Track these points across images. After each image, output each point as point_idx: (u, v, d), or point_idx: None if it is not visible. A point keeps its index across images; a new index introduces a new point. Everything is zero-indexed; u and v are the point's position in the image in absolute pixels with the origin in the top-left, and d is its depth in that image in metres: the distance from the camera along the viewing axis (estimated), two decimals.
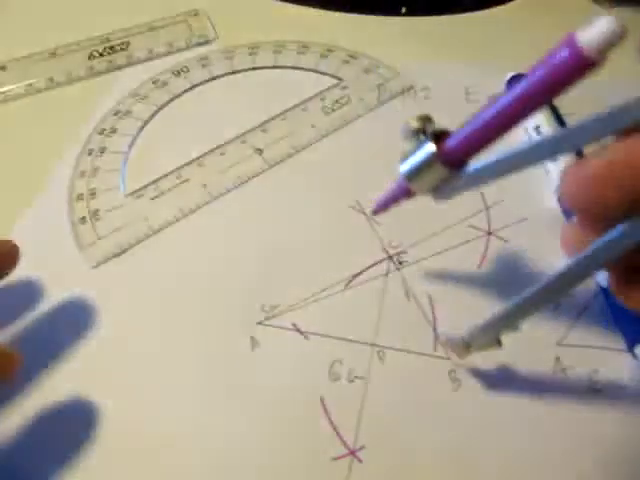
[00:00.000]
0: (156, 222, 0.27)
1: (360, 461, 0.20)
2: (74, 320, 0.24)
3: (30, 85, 0.34)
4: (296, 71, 0.33)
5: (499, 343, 0.19)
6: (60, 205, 0.28)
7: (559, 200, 0.26)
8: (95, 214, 0.27)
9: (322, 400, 0.21)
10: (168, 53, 0.35)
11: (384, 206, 0.21)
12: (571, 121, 0.28)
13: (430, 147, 0.17)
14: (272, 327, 0.23)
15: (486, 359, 0.21)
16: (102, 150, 0.30)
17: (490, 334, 0.19)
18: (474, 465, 0.20)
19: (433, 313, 0.23)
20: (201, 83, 0.33)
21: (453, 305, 0.23)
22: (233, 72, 0.34)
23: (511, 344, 0.20)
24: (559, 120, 0.28)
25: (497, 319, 0.18)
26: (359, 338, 0.23)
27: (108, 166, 0.29)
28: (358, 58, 0.33)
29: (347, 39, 0.34)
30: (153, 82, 0.33)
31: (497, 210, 0.26)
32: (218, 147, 0.30)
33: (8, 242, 0.22)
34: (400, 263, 0.25)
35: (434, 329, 0.23)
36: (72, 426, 0.21)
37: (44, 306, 0.24)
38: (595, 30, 0.13)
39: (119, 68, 0.35)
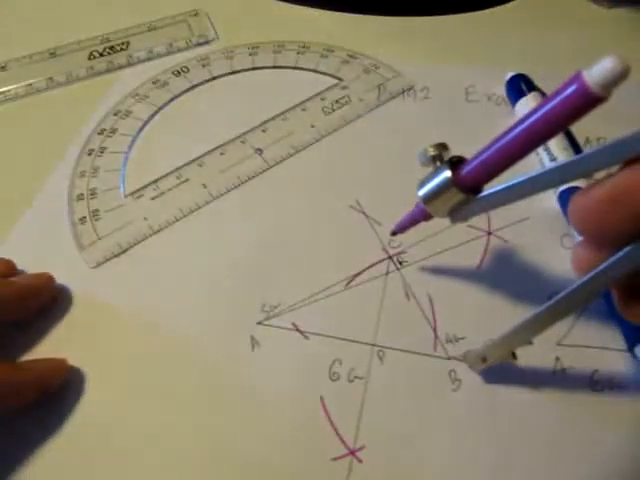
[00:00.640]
0: (156, 222, 0.27)
1: (360, 461, 0.20)
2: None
3: (30, 85, 0.34)
4: (296, 71, 0.33)
5: (514, 356, 0.20)
6: (60, 205, 0.28)
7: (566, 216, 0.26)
8: (95, 214, 0.27)
9: (322, 400, 0.21)
10: (168, 53, 0.35)
11: (404, 228, 0.23)
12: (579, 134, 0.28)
13: (446, 173, 0.18)
14: (272, 327, 0.23)
15: None
16: (102, 150, 0.30)
17: (505, 348, 0.19)
18: (474, 465, 0.20)
19: (433, 313, 0.23)
20: (201, 83, 0.33)
21: (453, 305, 0.23)
22: (233, 72, 0.34)
23: None
24: (569, 137, 0.27)
25: (511, 335, 0.19)
26: (359, 338, 0.23)
27: (108, 166, 0.29)
28: (358, 58, 0.33)
29: (347, 39, 0.34)
30: (153, 82, 0.33)
31: (497, 210, 0.26)
32: (218, 147, 0.30)
33: (44, 274, 0.24)
34: (400, 263, 0.25)
35: (434, 329, 0.23)
36: (71, 425, 0.21)
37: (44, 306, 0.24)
38: (601, 68, 0.13)
39: (119, 68, 0.35)
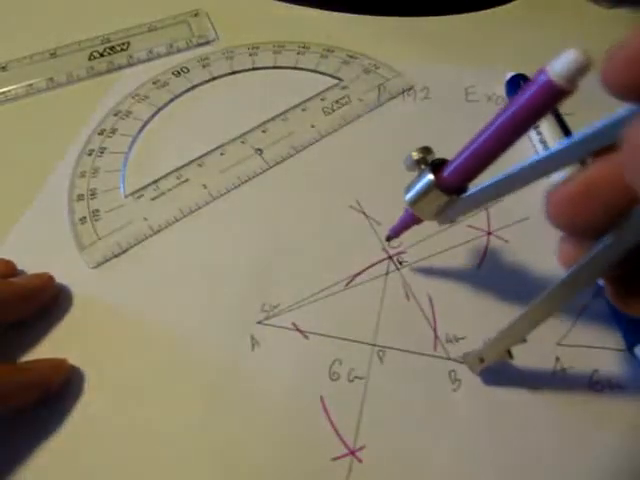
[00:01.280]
0: (156, 222, 0.27)
1: (360, 461, 0.20)
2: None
3: (30, 85, 0.34)
4: (296, 71, 0.33)
5: (510, 355, 0.20)
6: (60, 205, 0.28)
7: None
8: (95, 214, 0.27)
9: (322, 400, 0.21)
10: (168, 53, 0.35)
11: (397, 232, 0.23)
12: (571, 120, 0.28)
13: (429, 176, 0.19)
14: (272, 327, 0.23)
15: None
16: (102, 150, 0.30)
17: (500, 347, 0.19)
18: (474, 465, 0.20)
19: (433, 313, 0.23)
20: (201, 83, 0.33)
21: (453, 305, 0.23)
22: (233, 72, 0.34)
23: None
24: (559, 120, 0.28)
25: (505, 333, 0.19)
26: (359, 338, 0.23)
27: (108, 166, 0.29)
28: (358, 58, 0.33)
29: (347, 39, 0.34)
30: (153, 82, 0.33)
31: (497, 210, 0.26)
32: (218, 147, 0.30)
33: (44, 274, 0.24)
34: (400, 263, 0.25)
35: (434, 329, 0.23)
36: (71, 425, 0.21)
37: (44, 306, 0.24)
38: (563, 62, 0.14)
39: (119, 68, 0.35)
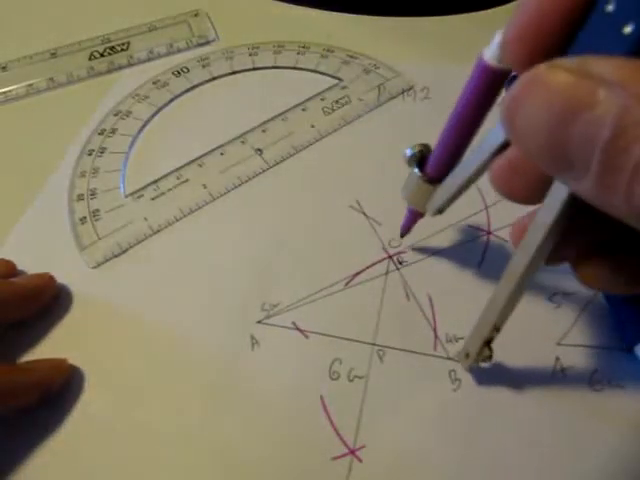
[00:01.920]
0: (156, 222, 0.27)
1: (360, 461, 0.20)
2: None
3: (31, 85, 0.34)
4: (296, 71, 0.33)
5: (489, 350, 0.19)
6: (60, 205, 0.28)
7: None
8: (95, 214, 0.27)
9: (322, 399, 0.21)
10: (168, 53, 0.35)
11: (406, 228, 0.24)
12: None
13: (415, 171, 0.20)
14: (272, 326, 0.23)
15: None
16: (102, 150, 0.30)
17: (477, 339, 0.19)
18: (474, 464, 0.20)
19: (433, 313, 0.23)
20: (201, 83, 0.33)
21: (453, 305, 0.23)
22: (233, 72, 0.34)
23: (511, 344, 0.20)
24: None
25: (478, 324, 0.19)
26: (359, 337, 0.23)
27: (108, 166, 0.29)
28: (358, 58, 0.33)
29: (347, 39, 0.34)
30: (153, 82, 0.33)
31: (497, 210, 0.26)
32: (218, 147, 0.30)
33: (45, 275, 0.24)
34: (400, 263, 0.25)
35: (434, 329, 0.23)
36: (71, 425, 0.21)
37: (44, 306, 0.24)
38: (494, 43, 0.15)
39: (119, 68, 0.35)
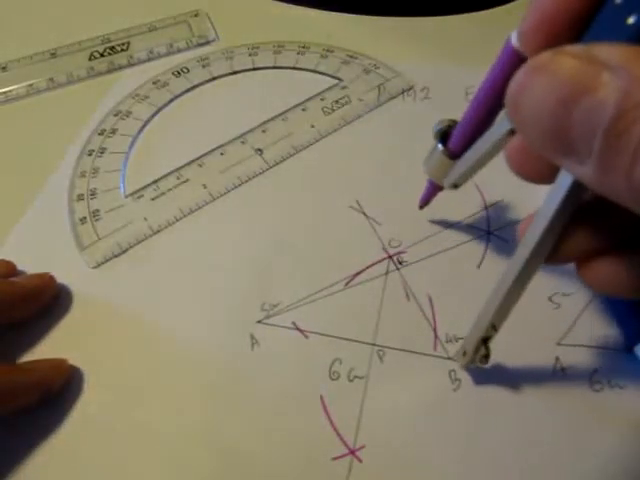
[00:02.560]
0: (156, 222, 0.27)
1: (360, 461, 0.20)
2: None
3: (31, 85, 0.34)
4: (296, 71, 0.33)
5: (487, 349, 0.19)
6: (60, 205, 0.28)
7: None
8: (95, 214, 0.27)
9: (322, 399, 0.21)
10: (168, 53, 0.35)
11: (425, 201, 0.25)
12: None
13: (439, 146, 0.21)
14: (272, 326, 0.23)
15: None
16: (102, 150, 0.30)
17: (474, 337, 0.19)
18: (474, 465, 0.20)
19: (433, 313, 0.23)
20: (201, 83, 0.33)
21: (453, 305, 0.23)
22: (233, 72, 0.34)
23: (511, 344, 0.20)
24: None
25: (477, 322, 0.19)
26: (359, 337, 0.23)
27: (108, 166, 0.29)
28: (358, 58, 0.33)
29: (347, 39, 0.34)
30: (153, 82, 0.33)
31: (497, 210, 0.26)
32: (218, 147, 0.30)
33: (45, 275, 0.24)
34: (400, 263, 0.25)
35: (434, 329, 0.23)
36: (71, 425, 0.21)
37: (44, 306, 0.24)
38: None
39: (119, 68, 0.35)
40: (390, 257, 0.25)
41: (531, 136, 0.12)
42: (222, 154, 0.29)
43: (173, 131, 0.31)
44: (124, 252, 0.26)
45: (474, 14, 0.36)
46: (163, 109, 0.32)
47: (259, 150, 0.29)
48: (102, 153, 0.30)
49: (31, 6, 0.39)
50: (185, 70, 0.34)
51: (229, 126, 0.30)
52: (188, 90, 0.33)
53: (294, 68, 0.33)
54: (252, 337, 0.23)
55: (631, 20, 0.11)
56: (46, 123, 0.32)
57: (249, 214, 0.27)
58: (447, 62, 0.33)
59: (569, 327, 0.22)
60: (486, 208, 0.26)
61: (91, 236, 0.26)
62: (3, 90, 0.34)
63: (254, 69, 0.34)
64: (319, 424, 0.21)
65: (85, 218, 0.27)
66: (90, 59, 0.35)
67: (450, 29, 0.35)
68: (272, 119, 0.31)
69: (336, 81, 0.32)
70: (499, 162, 0.17)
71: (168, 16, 0.37)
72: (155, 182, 0.29)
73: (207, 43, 0.36)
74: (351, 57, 0.34)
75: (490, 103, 0.18)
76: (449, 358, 0.22)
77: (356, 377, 0.22)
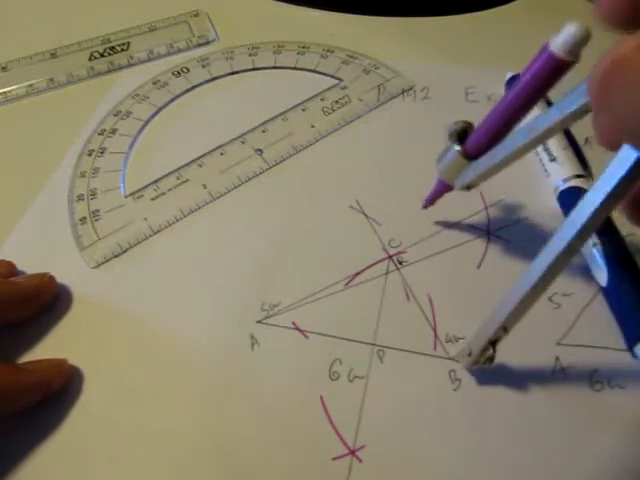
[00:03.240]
0: (156, 222, 0.27)
1: (360, 461, 0.20)
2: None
3: (31, 86, 0.34)
4: (296, 71, 0.33)
5: (493, 350, 0.19)
6: (60, 205, 0.28)
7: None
8: (95, 214, 0.27)
9: (322, 399, 0.21)
10: (168, 54, 0.35)
11: (432, 200, 0.25)
12: (579, 135, 0.28)
13: (455, 147, 0.21)
14: (272, 326, 0.23)
15: None
16: (102, 150, 0.30)
17: (483, 338, 0.19)
18: (474, 464, 0.20)
19: (433, 313, 0.23)
20: (201, 83, 0.33)
21: (453, 305, 0.23)
22: (233, 72, 0.34)
23: (511, 344, 0.20)
24: (568, 137, 0.28)
25: (487, 323, 0.19)
26: (359, 337, 0.23)
27: (108, 166, 0.29)
28: (358, 58, 0.33)
29: (347, 39, 0.34)
30: (153, 83, 0.33)
31: (497, 210, 0.26)
32: (218, 147, 0.30)
33: (45, 275, 0.24)
34: (400, 263, 0.25)
35: (434, 329, 0.23)
36: (71, 425, 0.21)
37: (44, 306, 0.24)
38: (564, 35, 0.16)
39: (119, 69, 0.35)
40: (390, 257, 0.25)
41: (628, 125, 0.12)
42: (222, 154, 0.29)
43: (173, 131, 0.31)
44: (124, 252, 0.26)
45: (474, 14, 0.36)
46: (163, 109, 0.32)
47: (259, 150, 0.29)
48: (102, 153, 0.30)
49: (31, 6, 0.39)
50: (185, 70, 0.34)
51: (229, 126, 0.30)
52: (188, 90, 0.33)
53: (294, 68, 0.33)
54: (252, 337, 0.23)
55: None
56: (46, 123, 0.32)
57: (249, 214, 0.27)
58: (447, 62, 0.33)
59: (569, 327, 0.22)
60: (486, 208, 0.26)
61: (91, 236, 0.26)
62: (3, 90, 0.34)
63: (254, 69, 0.34)
64: (319, 424, 0.21)
65: (85, 218, 0.27)
66: (90, 59, 0.35)
67: (450, 29, 0.35)
68: (272, 119, 0.31)
69: (336, 81, 0.33)
70: None
71: (168, 16, 0.37)
72: (155, 182, 0.29)
73: (207, 43, 0.36)
74: (351, 57, 0.34)
75: (519, 107, 0.18)
76: (449, 358, 0.22)
77: (356, 377, 0.22)
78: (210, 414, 0.21)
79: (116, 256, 0.26)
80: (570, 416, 0.20)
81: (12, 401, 0.20)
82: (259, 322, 0.23)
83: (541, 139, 0.18)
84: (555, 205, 0.26)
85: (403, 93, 0.32)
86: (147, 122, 0.31)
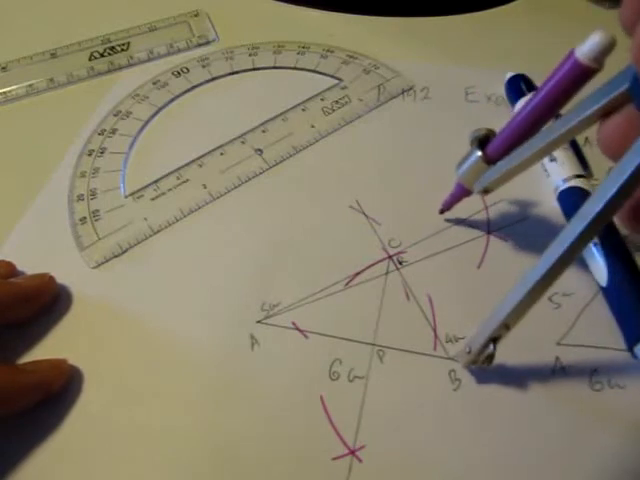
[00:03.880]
0: (156, 222, 0.27)
1: (360, 461, 0.20)
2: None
3: (31, 86, 0.34)
4: (296, 71, 0.33)
5: (494, 347, 0.19)
6: (60, 205, 0.28)
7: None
8: (95, 214, 0.27)
9: (322, 399, 0.21)
10: (168, 54, 0.35)
11: (449, 204, 0.25)
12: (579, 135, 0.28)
13: (477, 153, 0.22)
14: (272, 326, 0.23)
15: None
16: (102, 151, 0.30)
17: (485, 335, 0.19)
18: (473, 464, 0.20)
19: (433, 313, 0.23)
20: (201, 83, 0.33)
21: (453, 305, 0.23)
22: (233, 72, 0.34)
23: (511, 344, 0.20)
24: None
25: (489, 320, 0.19)
26: (359, 337, 0.23)
27: (108, 166, 0.29)
28: (358, 58, 0.33)
29: (347, 39, 0.34)
30: (153, 83, 0.33)
31: (497, 210, 0.26)
32: (218, 147, 0.30)
33: (45, 275, 0.24)
34: (400, 263, 0.25)
35: (434, 329, 0.23)
36: (71, 425, 0.21)
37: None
38: (589, 43, 0.16)
39: (119, 69, 0.35)
40: (390, 257, 0.25)
41: None
42: (222, 154, 0.29)
43: (173, 131, 0.31)
44: (124, 252, 0.26)
45: (474, 14, 0.36)
46: (163, 109, 0.32)
47: (259, 150, 0.29)
48: (102, 153, 0.30)
49: (31, 6, 0.39)
50: (185, 70, 0.34)
51: (229, 126, 0.30)
52: (188, 90, 0.33)
53: (294, 68, 0.33)
54: (252, 337, 0.23)
55: None
56: (46, 123, 0.32)
57: (249, 214, 0.27)
58: (447, 62, 0.33)
59: (569, 327, 0.22)
60: (486, 208, 0.26)
61: (91, 236, 0.26)
62: (3, 90, 0.34)
63: (254, 69, 0.34)
64: (319, 424, 0.21)
65: (85, 218, 0.27)
66: (90, 59, 0.35)
67: (450, 29, 0.35)
68: (272, 119, 0.31)
69: (336, 81, 0.33)
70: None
71: (168, 16, 0.37)
72: (155, 182, 0.29)
73: (207, 43, 0.36)
74: (351, 57, 0.34)
75: (543, 113, 0.18)
76: (449, 358, 0.22)
77: (356, 377, 0.22)
78: (210, 414, 0.21)
79: (116, 256, 0.26)
80: (570, 416, 0.20)
81: (12, 401, 0.20)
82: (259, 322, 0.23)
83: (561, 141, 0.18)
84: (555, 205, 0.26)
85: (403, 93, 0.32)
86: (147, 122, 0.31)
